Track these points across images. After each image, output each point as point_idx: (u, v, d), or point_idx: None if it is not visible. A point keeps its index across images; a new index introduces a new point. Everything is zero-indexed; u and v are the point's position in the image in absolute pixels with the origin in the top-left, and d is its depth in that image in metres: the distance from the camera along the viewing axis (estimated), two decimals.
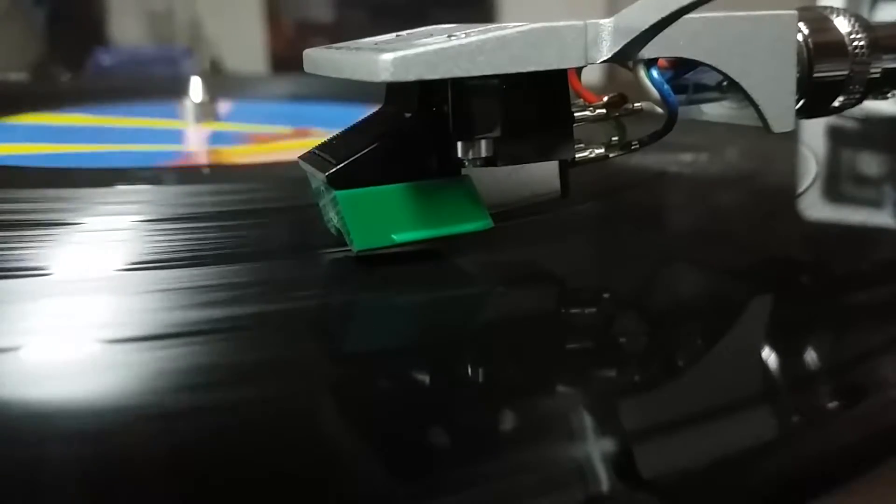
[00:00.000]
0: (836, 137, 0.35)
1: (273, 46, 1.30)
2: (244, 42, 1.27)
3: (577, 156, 0.19)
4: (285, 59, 1.20)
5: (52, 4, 1.18)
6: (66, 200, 0.23)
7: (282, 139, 0.38)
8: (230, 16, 1.26)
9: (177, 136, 0.39)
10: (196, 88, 0.41)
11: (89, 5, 1.27)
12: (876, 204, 0.26)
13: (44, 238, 0.20)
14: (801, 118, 0.21)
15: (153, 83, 0.67)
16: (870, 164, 0.32)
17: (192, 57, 1.09)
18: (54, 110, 0.46)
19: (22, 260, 0.18)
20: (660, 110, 0.18)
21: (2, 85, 0.69)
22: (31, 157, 0.34)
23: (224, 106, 0.44)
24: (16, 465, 0.11)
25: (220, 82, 0.66)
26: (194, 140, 0.38)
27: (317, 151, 0.18)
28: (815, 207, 0.23)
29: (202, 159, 0.35)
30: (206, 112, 0.40)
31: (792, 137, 0.32)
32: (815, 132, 0.34)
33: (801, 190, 0.25)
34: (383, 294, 0.17)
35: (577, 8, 0.41)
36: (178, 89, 0.43)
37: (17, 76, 0.77)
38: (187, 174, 0.31)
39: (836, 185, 0.27)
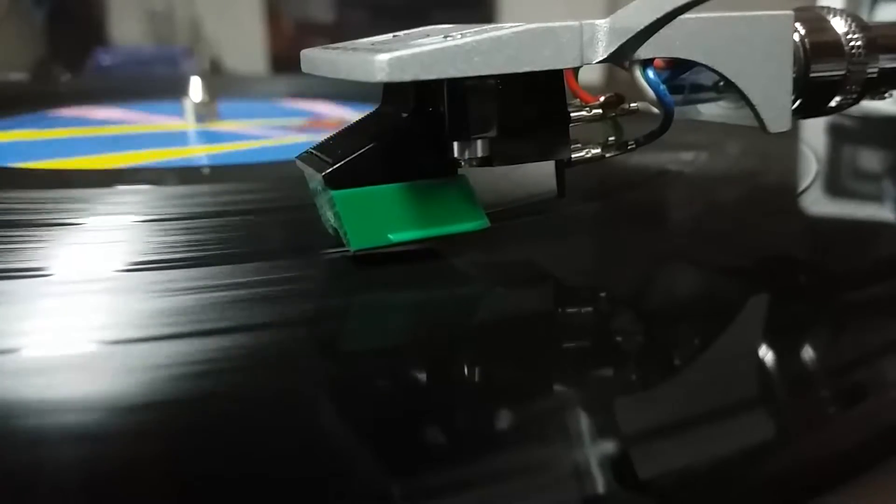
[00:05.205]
0: (837, 136, 0.35)
1: (273, 46, 1.30)
2: (244, 42, 1.27)
3: (573, 156, 0.19)
4: (285, 59, 1.20)
5: (52, 4, 1.18)
6: (66, 200, 0.23)
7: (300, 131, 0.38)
8: (230, 16, 1.26)
9: (180, 139, 0.39)
10: (196, 88, 0.41)
11: (89, 5, 1.27)
12: (877, 202, 0.26)
13: (44, 238, 0.20)
14: (798, 118, 0.21)
15: (153, 83, 0.67)
16: (870, 162, 0.32)
17: (192, 57, 1.09)
18: (55, 110, 0.46)
19: (22, 260, 0.18)
20: (656, 110, 0.18)
21: (2, 85, 0.69)
22: None
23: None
24: (15, 465, 0.11)
25: (220, 82, 0.66)
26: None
27: (314, 151, 0.18)
28: (815, 206, 0.23)
29: None
30: (206, 112, 0.40)
31: (792, 136, 0.32)
32: (815, 131, 0.34)
33: (801, 189, 0.25)
34: (380, 294, 0.17)
35: (577, 8, 0.41)
36: (178, 89, 0.43)
37: (17, 76, 0.77)
38: (187, 174, 0.31)
39: (837, 183, 0.27)
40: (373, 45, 0.17)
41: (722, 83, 0.19)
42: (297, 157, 0.19)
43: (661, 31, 0.16)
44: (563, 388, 0.13)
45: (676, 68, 0.19)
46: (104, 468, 0.11)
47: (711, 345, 0.15)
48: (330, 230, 0.18)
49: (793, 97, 0.19)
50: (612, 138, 0.19)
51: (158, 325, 0.15)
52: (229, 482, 0.10)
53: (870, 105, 0.23)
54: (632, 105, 0.20)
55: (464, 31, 0.16)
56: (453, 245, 0.18)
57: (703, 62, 0.18)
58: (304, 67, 0.19)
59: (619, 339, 0.15)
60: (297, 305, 0.16)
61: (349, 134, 0.19)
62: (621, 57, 0.17)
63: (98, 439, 0.11)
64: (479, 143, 0.17)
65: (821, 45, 0.20)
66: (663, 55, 0.18)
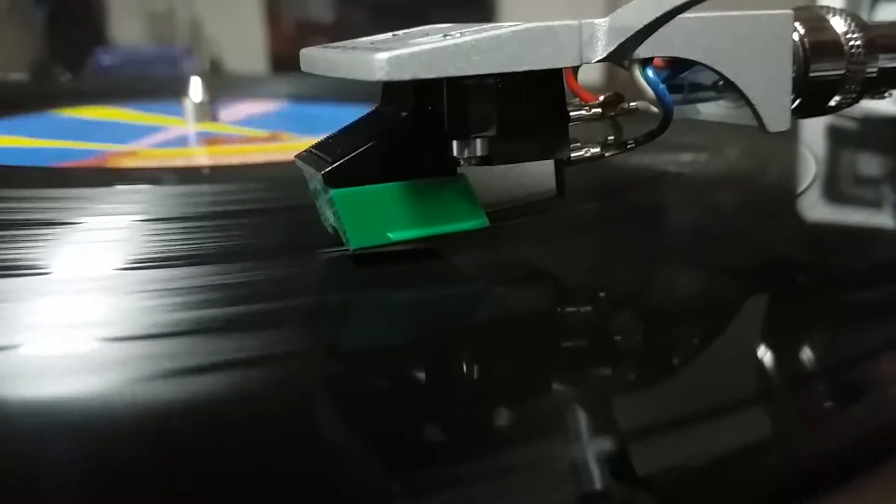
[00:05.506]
0: (836, 137, 0.35)
1: (273, 46, 1.30)
2: (244, 42, 1.27)
3: (572, 155, 0.19)
4: (285, 59, 1.20)
5: (52, 4, 1.18)
6: (66, 200, 0.23)
7: (253, 142, 0.38)
8: (230, 16, 1.26)
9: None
10: (196, 88, 0.41)
11: (89, 5, 1.27)
12: (875, 204, 0.26)
13: (44, 238, 0.20)
14: (798, 118, 0.21)
15: (153, 83, 0.67)
16: (869, 164, 0.32)
17: (192, 57, 1.09)
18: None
19: (22, 259, 0.18)
20: (655, 110, 0.18)
21: (2, 85, 0.69)
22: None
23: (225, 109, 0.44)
24: (14, 463, 0.11)
25: (220, 82, 0.66)
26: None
27: (313, 150, 0.18)
28: (814, 208, 0.23)
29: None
30: (203, 112, 0.40)
31: (791, 137, 0.32)
32: (814, 132, 0.34)
33: (800, 190, 0.25)
34: (380, 293, 0.17)
35: (576, 7, 0.41)
36: (178, 89, 0.43)
37: (17, 76, 0.77)
38: (187, 174, 0.31)
39: (836, 185, 0.27)
40: (372, 44, 0.17)
41: (721, 82, 0.19)
42: (296, 156, 0.19)
43: (660, 30, 0.16)
44: (561, 387, 0.13)
45: (676, 67, 0.19)
46: (102, 467, 0.11)
47: (710, 345, 0.15)
48: (329, 229, 0.18)
49: (792, 97, 0.19)
50: (611, 137, 0.19)
51: (157, 324, 0.15)
52: (228, 482, 0.10)
53: (869, 105, 0.23)
54: (631, 104, 0.20)
55: (463, 31, 0.16)
56: (453, 244, 0.18)
57: (703, 61, 0.18)
58: (304, 67, 0.19)
59: (617, 338, 0.15)
60: (297, 304, 0.16)
61: (348, 133, 0.19)
62: (620, 56, 0.17)
63: (96, 438, 0.11)
64: (478, 141, 0.17)
65: (820, 45, 0.20)
66: (663, 54, 0.18)
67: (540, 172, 0.19)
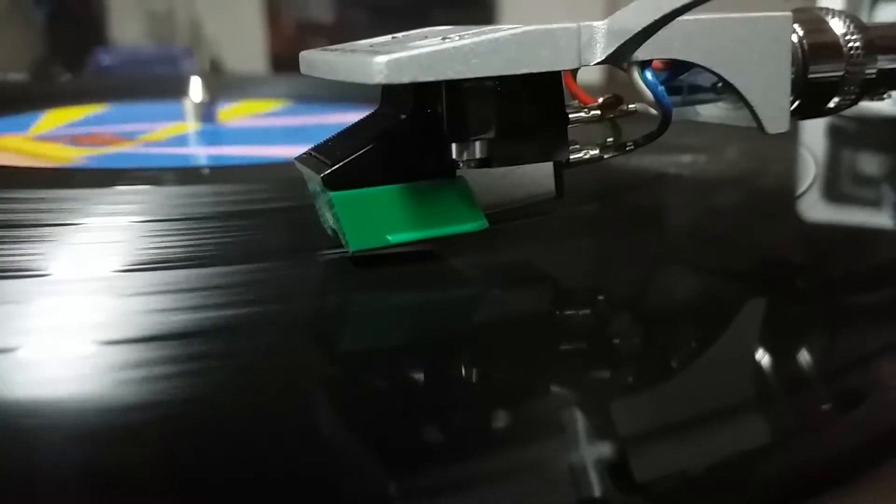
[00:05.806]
0: (836, 138, 0.35)
1: (273, 46, 1.30)
2: (244, 42, 1.27)
3: (571, 157, 0.19)
4: (285, 59, 1.20)
5: (52, 4, 1.18)
6: (66, 200, 0.23)
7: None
8: (230, 16, 1.27)
9: None
10: (196, 88, 0.41)
11: (89, 5, 1.27)
12: (875, 205, 0.26)
13: (43, 238, 0.20)
14: (797, 119, 0.21)
15: (153, 83, 0.67)
16: (869, 165, 0.32)
17: (192, 57, 1.09)
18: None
19: (21, 260, 0.18)
20: (654, 112, 0.18)
21: (2, 85, 0.69)
22: None
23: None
24: (12, 464, 0.11)
25: (220, 82, 0.66)
26: None
27: (313, 153, 0.18)
28: (814, 209, 0.23)
29: None
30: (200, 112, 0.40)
31: (791, 139, 0.32)
32: (814, 133, 0.34)
33: (800, 191, 0.25)
34: (379, 295, 0.17)
35: (576, 9, 0.41)
36: (178, 89, 0.43)
37: (17, 76, 0.77)
38: (187, 174, 0.31)
39: (836, 186, 0.27)
40: (371, 46, 0.17)
41: (720, 84, 0.19)
42: (295, 159, 0.19)
43: (659, 32, 0.16)
44: (560, 390, 0.13)
45: (675, 69, 0.19)
46: (100, 469, 0.11)
47: (709, 348, 0.15)
48: (329, 231, 0.18)
49: (791, 98, 0.19)
50: (610, 139, 0.19)
51: (156, 326, 0.15)
52: (228, 483, 0.10)
53: (869, 106, 0.23)
54: (630, 106, 0.20)
55: (462, 33, 0.16)
56: (452, 246, 0.18)
57: (702, 63, 0.18)
58: (303, 69, 0.19)
59: (616, 341, 0.15)
60: (296, 306, 0.16)
61: (348, 135, 0.19)
62: (619, 58, 0.17)
63: (94, 440, 0.11)
64: (477, 144, 0.17)
65: (819, 46, 0.20)
66: (662, 56, 0.18)
67: (539, 174, 0.19)
